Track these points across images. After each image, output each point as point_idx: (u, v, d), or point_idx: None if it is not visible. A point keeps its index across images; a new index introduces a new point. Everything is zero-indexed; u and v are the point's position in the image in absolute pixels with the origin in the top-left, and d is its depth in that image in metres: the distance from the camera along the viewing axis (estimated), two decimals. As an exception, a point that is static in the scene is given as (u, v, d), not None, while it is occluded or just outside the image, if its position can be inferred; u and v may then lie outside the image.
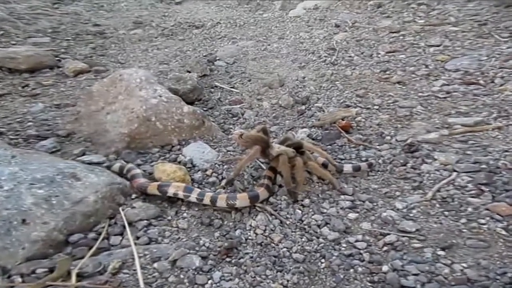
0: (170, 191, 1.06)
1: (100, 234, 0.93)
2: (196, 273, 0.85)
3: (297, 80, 1.87)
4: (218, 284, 0.83)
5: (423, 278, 0.83)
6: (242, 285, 0.84)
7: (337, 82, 1.84)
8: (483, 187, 1.09)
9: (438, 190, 1.11)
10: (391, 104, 1.62)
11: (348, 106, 1.63)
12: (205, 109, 1.65)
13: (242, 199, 1.03)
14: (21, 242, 0.85)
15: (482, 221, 0.98)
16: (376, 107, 1.61)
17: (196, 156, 1.27)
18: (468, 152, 1.26)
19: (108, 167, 1.20)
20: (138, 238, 0.94)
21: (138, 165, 1.26)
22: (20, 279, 0.79)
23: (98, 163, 1.22)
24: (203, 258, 0.89)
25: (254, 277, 0.86)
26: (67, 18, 3.08)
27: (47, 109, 1.64)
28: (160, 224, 0.99)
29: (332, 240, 0.95)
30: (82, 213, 0.95)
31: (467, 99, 1.59)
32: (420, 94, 1.67)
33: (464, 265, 0.86)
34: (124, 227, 0.97)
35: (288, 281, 0.84)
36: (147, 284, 0.82)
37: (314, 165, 1.17)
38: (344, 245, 0.94)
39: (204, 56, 2.25)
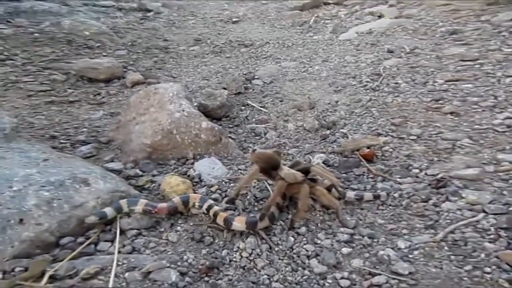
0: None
1: (89, 238, 0.96)
2: (170, 288, 0.85)
3: (329, 103, 1.82)
4: (188, 304, 0.82)
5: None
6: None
7: (373, 109, 1.75)
8: (501, 232, 0.97)
9: (452, 232, 1.00)
10: (433, 136, 1.49)
11: (379, 134, 1.54)
12: (231, 126, 1.67)
13: (238, 222, 1.01)
14: (11, 241, 0.89)
15: (488, 269, 0.87)
16: (412, 137, 1.50)
17: (205, 171, 1.28)
18: (505, 192, 1.13)
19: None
20: (124, 246, 0.96)
21: (153, 176, 1.30)
22: (1, 276, 0.84)
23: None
24: (182, 274, 0.88)
25: (227, 301, 0.83)
26: (146, 33, 3.34)
27: (103, 117, 1.78)
28: (149, 235, 1.01)
29: (318, 274, 0.90)
30: (78, 217, 0.98)
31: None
32: (476, 126, 1.51)
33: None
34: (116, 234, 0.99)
35: (260, 311, 0.81)
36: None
37: (322, 190, 1.11)
38: (330, 280, 0.88)
39: (244, 74, 2.28)
